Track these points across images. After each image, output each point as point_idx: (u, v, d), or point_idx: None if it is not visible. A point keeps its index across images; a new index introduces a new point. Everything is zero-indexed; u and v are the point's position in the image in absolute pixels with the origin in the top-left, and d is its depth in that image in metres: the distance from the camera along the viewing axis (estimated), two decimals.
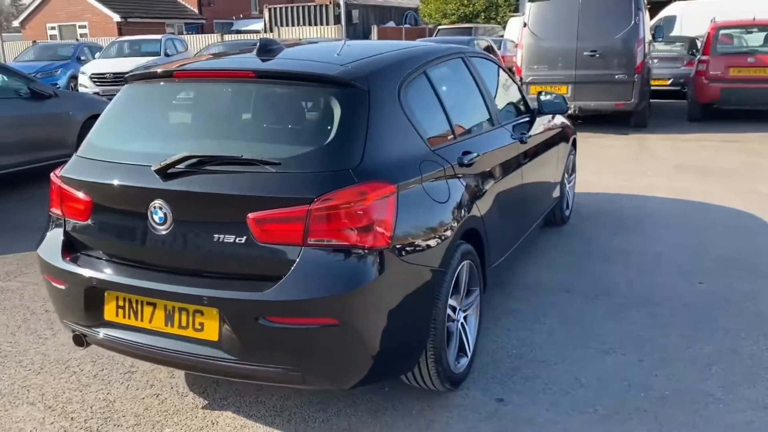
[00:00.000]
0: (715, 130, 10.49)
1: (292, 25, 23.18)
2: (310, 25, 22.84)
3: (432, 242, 2.71)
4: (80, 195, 2.77)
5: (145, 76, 3.01)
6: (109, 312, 2.71)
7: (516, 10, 31.96)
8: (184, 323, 2.55)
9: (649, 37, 10.90)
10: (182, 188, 2.51)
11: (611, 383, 3.09)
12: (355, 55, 2.97)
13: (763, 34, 11.48)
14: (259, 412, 2.94)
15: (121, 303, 2.68)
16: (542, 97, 4.47)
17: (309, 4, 25.18)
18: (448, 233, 2.81)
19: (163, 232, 2.56)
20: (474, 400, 2.98)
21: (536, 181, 4.34)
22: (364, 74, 2.71)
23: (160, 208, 2.54)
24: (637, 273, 4.46)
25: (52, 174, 2.99)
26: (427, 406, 2.94)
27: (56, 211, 2.92)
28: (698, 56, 11.46)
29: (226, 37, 21.35)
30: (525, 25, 10.46)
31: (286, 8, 24.51)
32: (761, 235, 5.24)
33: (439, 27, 23.24)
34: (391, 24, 25.36)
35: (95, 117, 8.02)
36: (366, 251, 2.41)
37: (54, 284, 2.86)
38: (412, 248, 2.58)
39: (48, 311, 4.09)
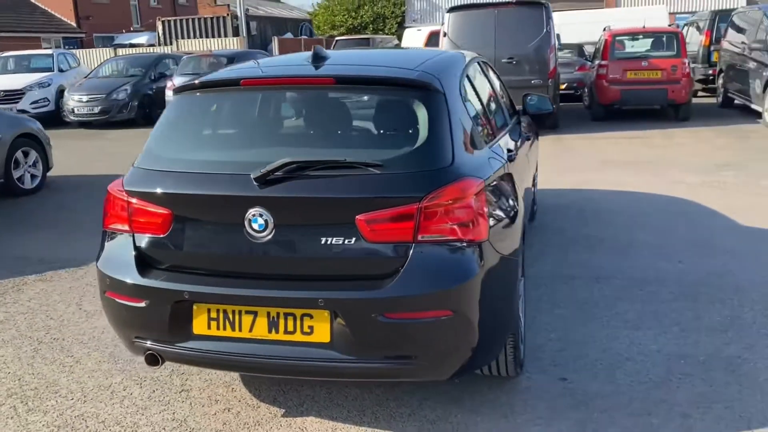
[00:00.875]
0: (619, 129, 11.38)
1: (188, 37, 22.52)
2: (207, 37, 22.28)
3: (510, 234, 2.88)
4: (156, 208, 2.69)
5: (202, 86, 2.96)
6: (199, 325, 2.65)
7: (402, 22, 32.95)
8: (290, 328, 2.55)
9: (557, 44, 11.68)
10: (285, 194, 2.51)
11: (651, 354, 3.39)
12: (413, 59, 3.08)
13: (650, 40, 12.62)
14: (341, 414, 2.97)
15: (213, 315, 2.63)
16: (528, 99, 4.75)
17: (200, 16, 24.57)
18: (519, 224, 3.00)
19: (263, 240, 2.55)
20: (539, 382, 3.17)
21: (532, 176, 4.63)
22: (437, 77, 2.83)
23: (260, 215, 2.52)
24: (621, 257, 4.85)
25: (111, 188, 2.87)
26: (500, 391, 3.09)
27: (120, 226, 2.81)
28: (598, 61, 12.39)
29: (119, 51, 20.44)
30: (445, 34, 10.87)
31: (181, 20, 23.74)
32: (704, 217, 5.84)
33: (337, 38, 23.48)
34: (289, 35, 25.28)
35: (24, 136, 7.58)
36: (470, 244, 2.54)
37: (126, 302, 2.74)
38: (499, 240, 2.73)
39: (57, 339, 3.85)
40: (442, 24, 10.97)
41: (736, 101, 13.09)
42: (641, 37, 12.90)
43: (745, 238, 5.19)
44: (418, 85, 2.76)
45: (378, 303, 2.45)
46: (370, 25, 32.91)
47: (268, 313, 2.57)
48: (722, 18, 15.15)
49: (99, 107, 13.77)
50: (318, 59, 3.03)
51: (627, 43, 12.61)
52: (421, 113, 2.70)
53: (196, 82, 3.02)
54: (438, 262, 2.50)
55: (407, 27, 23.21)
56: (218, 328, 2.63)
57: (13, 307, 4.38)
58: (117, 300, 2.78)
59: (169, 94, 13.45)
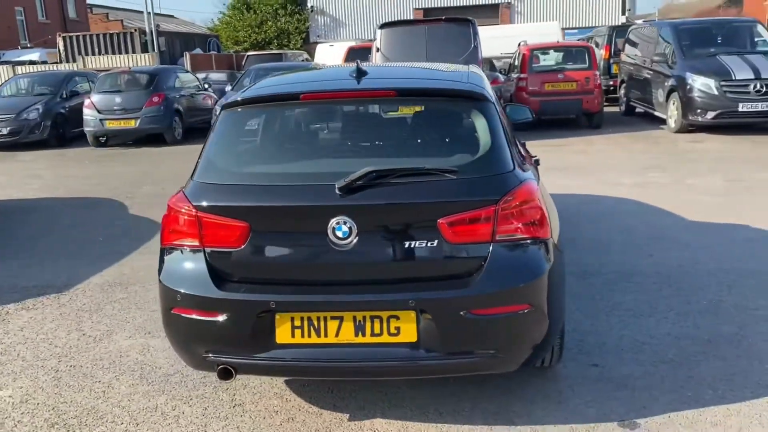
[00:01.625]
0: (542, 137, 11.99)
1: (93, 54, 21.45)
2: (114, 53, 21.33)
3: (556, 230, 3.10)
4: (232, 221, 2.70)
5: (257, 100, 3.00)
6: (283, 334, 2.68)
7: (307, 38, 33.07)
8: (377, 330, 2.65)
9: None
10: (369, 201, 2.62)
11: (661, 338, 3.72)
12: (452, 73, 3.26)
13: (565, 53, 13.47)
14: (405, 413, 3.07)
15: (297, 323, 2.67)
16: (508, 110, 5.04)
17: (105, 32, 23.47)
18: (559, 222, 3.23)
19: (347, 246, 2.63)
20: (575, 370, 3.41)
21: None
22: (485, 88, 3.03)
23: (344, 223, 2.61)
24: (599, 254, 5.23)
25: (173, 204, 2.84)
26: (545, 380, 3.30)
27: (187, 241, 2.79)
28: (517, 74, 13.09)
29: (19, 69, 19.20)
30: (378, 49, 11.13)
31: (84, 36, 22.52)
32: (654, 215, 6.38)
33: (248, 54, 23.25)
34: (199, 51, 24.70)
35: None
36: (537, 241, 2.75)
37: (200, 317, 2.73)
38: (555, 237, 2.95)
39: (74, 366, 3.69)
40: (374, 39, 11.22)
41: (637, 109, 14.21)
42: (551, 51, 13.78)
43: (696, 232, 5.73)
44: (475, 96, 2.94)
45: (465, 300, 2.60)
46: (275, 41, 32.78)
47: (354, 317, 2.65)
48: (619, 33, 16.42)
49: (8, 128, 12.95)
50: (361, 73, 3.14)
51: (542, 57, 13.40)
52: (480, 122, 2.89)
53: (239, 98, 3.05)
54: (515, 259, 2.69)
55: (319, 42, 23.39)
56: (303, 336, 2.68)
57: (7, 338, 4.14)
58: (188, 316, 2.76)
59: (87, 112, 12.89)
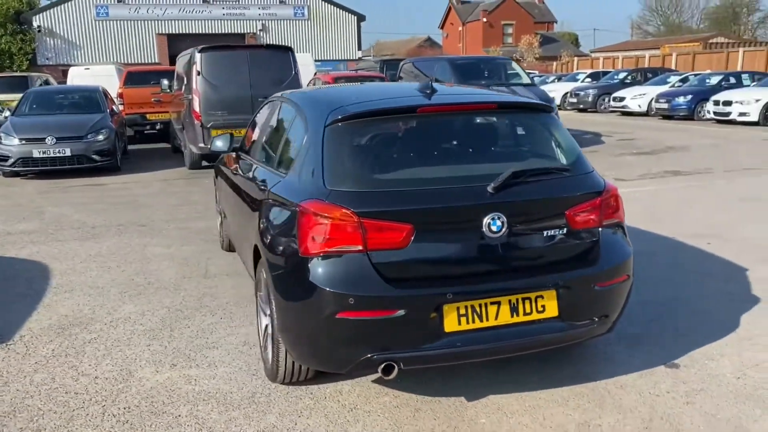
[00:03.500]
0: None
1: None
2: None
3: None
4: (398, 225, 2.87)
5: (376, 113, 3.19)
6: (450, 323, 2.93)
7: (34, 60, 29.90)
8: (528, 310, 3.04)
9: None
10: (516, 198, 3.02)
11: (635, 305, 4.35)
12: (507, 93, 3.76)
13: (358, 82, 14.54)
14: (507, 388, 3.44)
15: (462, 311, 2.94)
16: None
17: None
18: None
19: (500, 239, 2.99)
20: (616, 337, 4.03)
21: None
22: None
23: (498, 218, 2.97)
24: None
25: (328, 211, 2.88)
26: (585, 346, 3.93)
27: (349, 247, 2.88)
28: None
29: None
30: (199, 73, 10.87)
31: None
32: None
33: None
34: None
35: None
36: (622, 225, 3.42)
37: (374, 317, 2.85)
38: None
39: (128, 408, 3.33)
40: (195, 63, 10.94)
41: None
42: (345, 80, 14.77)
43: None
44: (550, 109, 3.51)
45: (596, 276, 3.15)
46: None
47: (510, 301, 3.02)
48: (389, 66, 18.13)
49: None
50: (433, 91, 3.48)
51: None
52: (559, 130, 3.47)
53: (340, 116, 3.13)
54: (617, 239, 3.32)
55: (72, 66, 21.39)
56: (468, 322, 2.96)
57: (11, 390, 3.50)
58: (359, 318, 2.84)
59: None
